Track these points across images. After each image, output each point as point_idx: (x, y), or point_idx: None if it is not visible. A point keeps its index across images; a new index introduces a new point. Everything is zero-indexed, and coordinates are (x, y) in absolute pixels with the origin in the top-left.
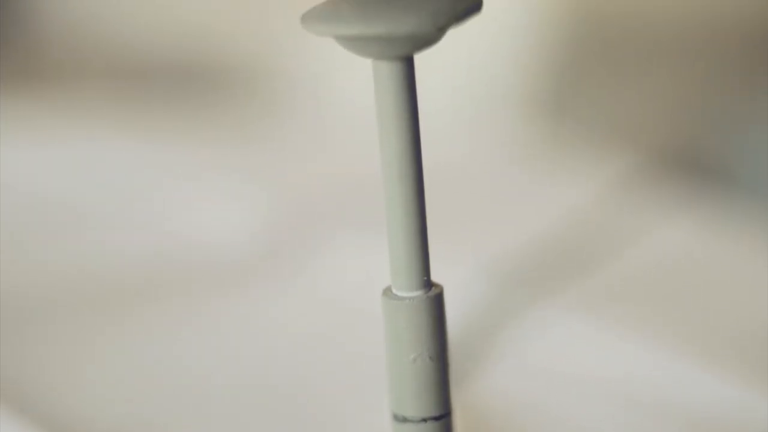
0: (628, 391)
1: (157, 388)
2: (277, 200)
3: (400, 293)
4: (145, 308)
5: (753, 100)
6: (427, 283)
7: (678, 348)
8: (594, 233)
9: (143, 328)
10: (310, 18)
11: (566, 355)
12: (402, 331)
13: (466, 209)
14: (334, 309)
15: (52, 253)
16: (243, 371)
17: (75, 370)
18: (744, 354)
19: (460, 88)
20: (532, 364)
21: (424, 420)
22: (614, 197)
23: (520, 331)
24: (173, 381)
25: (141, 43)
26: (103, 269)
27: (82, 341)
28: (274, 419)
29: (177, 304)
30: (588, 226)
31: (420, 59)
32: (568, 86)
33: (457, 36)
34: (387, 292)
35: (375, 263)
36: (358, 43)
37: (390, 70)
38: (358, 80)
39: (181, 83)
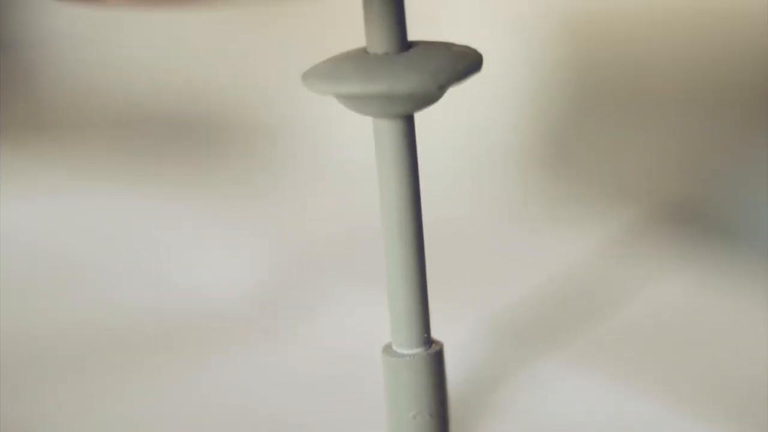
0: None
1: None
2: (278, 255)
3: (400, 350)
4: (146, 362)
5: (755, 156)
6: (428, 341)
7: (679, 404)
8: (594, 288)
9: (143, 383)
10: (311, 76)
11: (567, 411)
12: (402, 388)
13: (466, 266)
14: (334, 363)
15: (50, 307)
16: (242, 424)
17: (73, 423)
18: (745, 410)
19: (460, 149)
20: (532, 420)
21: None
22: (614, 252)
23: (521, 388)
24: None
25: (141, 97)
26: (102, 324)
27: (81, 395)
28: None
29: (177, 357)
30: (588, 281)
31: (421, 121)
32: (569, 145)
33: (457, 95)
34: (387, 349)
35: (376, 318)
36: (359, 102)
37: (391, 128)
38: (359, 136)
39: (181, 137)
